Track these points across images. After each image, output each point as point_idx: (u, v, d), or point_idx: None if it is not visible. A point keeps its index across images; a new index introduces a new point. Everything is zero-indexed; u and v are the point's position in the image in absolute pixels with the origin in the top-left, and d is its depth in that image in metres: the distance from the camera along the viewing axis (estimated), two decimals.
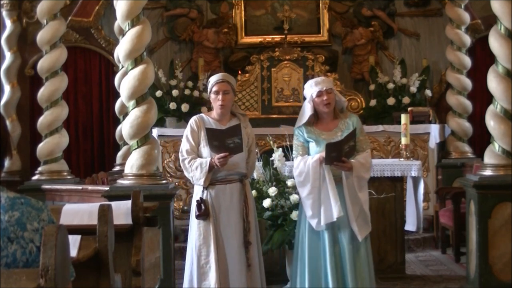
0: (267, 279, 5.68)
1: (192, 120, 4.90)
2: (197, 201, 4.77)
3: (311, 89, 4.85)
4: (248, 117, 5.07)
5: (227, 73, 5.21)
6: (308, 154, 4.84)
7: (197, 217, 4.74)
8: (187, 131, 4.87)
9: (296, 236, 4.91)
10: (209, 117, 4.90)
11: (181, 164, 4.87)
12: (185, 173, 4.87)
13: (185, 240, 5.25)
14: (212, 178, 4.76)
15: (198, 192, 4.84)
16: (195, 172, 4.73)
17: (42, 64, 7.15)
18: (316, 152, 4.79)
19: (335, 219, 4.64)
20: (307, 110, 4.85)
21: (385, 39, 9.66)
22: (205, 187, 4.76)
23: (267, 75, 9.27)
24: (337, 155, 4.61)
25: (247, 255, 4.76)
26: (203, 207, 4.72)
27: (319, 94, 4.79)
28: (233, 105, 4.96)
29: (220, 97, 4.79)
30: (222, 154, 4.61)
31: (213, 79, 4.91)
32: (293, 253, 4.96)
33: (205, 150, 4.77)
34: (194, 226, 4.79)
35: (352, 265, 4.64)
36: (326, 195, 4.67)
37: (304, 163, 4.75)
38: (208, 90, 4.92)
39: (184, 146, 4.84)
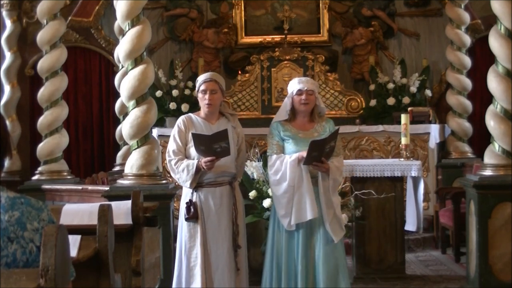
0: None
1: (180, 120, 4.84)
2: (187, 203, 4.71)
3: (293, 86, 4.87)
4: (237, 117, 5.02)
5: (217, 73, 5.17)
6: (283, 153, 4.83)
7: (187, 219, 4.70)
8: (174, 131, 4.82)
9: (270, 236, 4.87)
10: (198, 116, 4.85)
11: (168, 165, 4.82)
12: (171, 174, 4.82)
13: None
14: (202, 181, 4.71)
15: (187, 194, 4.78)
16: (182, 174, 4.67)
17: (42, 64, 7.15)
18: (293, 150, 4.78)
19: (308, 219, 4.63)
20: (286, 106, 4.88)
21: (385, 39, 9.66)
22: (195, 189, 4.72)
23: (267, 75, 9.27)
24: (318, 155, 4.61)
25: (236, 259, 4.73)
26: (192, 210, 4.68)
27: (299, 92, 4.81)
28: (222, 105, 4.91)
29: (207, 96, 4.74)
30: (209, 158, 4.56)
31: (201, 78, 4.85)
32: (266, 253, 4.90)
33: (193, 150, 4.71)
34: (184, 228, 4.75)
35: (326, 267, 4.64)
36: (301, 195, 4.66)
37: (280, 161, 4.74)
38: (196, 88, 4.86)
39: (171, 146, 4.79)
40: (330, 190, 4.71)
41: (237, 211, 4.77)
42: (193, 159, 4.71)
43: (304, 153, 4.62)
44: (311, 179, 4.71)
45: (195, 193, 4.73)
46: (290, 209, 4.68)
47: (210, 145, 4.54)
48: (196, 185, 4.72)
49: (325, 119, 4.97)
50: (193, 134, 4.63)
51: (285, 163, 4.71)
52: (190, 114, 4.94)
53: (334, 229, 4.69)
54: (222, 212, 4.73)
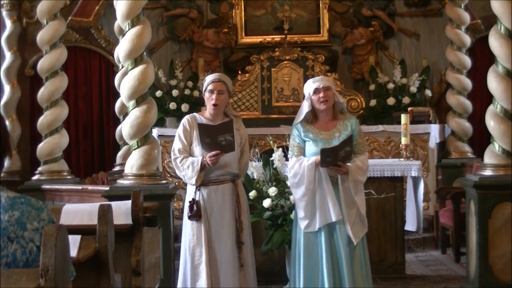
0: (267, 279, 5.69)
1: (185, 119, 4.88)
2: (190, 202, 4.76)
3: (309, 86, 4.87)
4: (241, 118, 5.06)
5: (224, 74, 5.20)
6: (304, 154, 4.84)
7: (189, 218, 4.74)
8: (179, 130, 4.86)
9: (293, 236, 4.91)
10: (202, 116, 4.88)
11: (173, 163, 4.85)
12: (177, 172, 4.84)
13: None
14: (205, 179, 4.74)
15: (190, 193, 4.82)
16: (187, 171, 4.71)
17: (42, 64, 7.15)
18: (314, 151, 4.78)
19: (333, 221, 4.65)
20: (304, 108, 4.86)
21: (385, 39, 9.66)
22: (198, 188, 4.75)
23: (267, 75, 9.27)
24: (332, 160, 4.62)
25: (239, 255, 4.75)
26: (195, 208, 4.71)
27: (316, 91, 4.80)
28: (227, 107, 4.93)
29: (214, 96, 4.77)
30: (213, 152, 4.60)
31: (209, 78, 4.89)
32: (291, 253, 4.96)
33: (197, 149, 4.75)
34: (188, 227, 4.79)
35: (349, 266, 4.66)
36: (323, 197, 4.68)
37: (299, 164, 4.75)
38: (203, 88, 4.89)
39: (177, 145, 4.83)
40: (351, 190, 4.72)
41: (240, 208, 4.79)
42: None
43: (319, 157, 4.63)
44: (331, 179, 4.71)
45: (198, 192, 4.76)
46: (309, 212, 4.71)
47: (216, 136, 4.58)
48: (200, 183, 4.74)
49: (348, 117, 4.96)
50: (199, 124, 4.68)
51: (303, 166, 4.73)
52: (195, 113, 4.99)
53: (355, 231, 4.70)
54: (225, 209, 4.76)
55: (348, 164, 4.71)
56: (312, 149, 4.81)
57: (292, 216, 5.56)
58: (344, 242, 4.69)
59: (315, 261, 4.72)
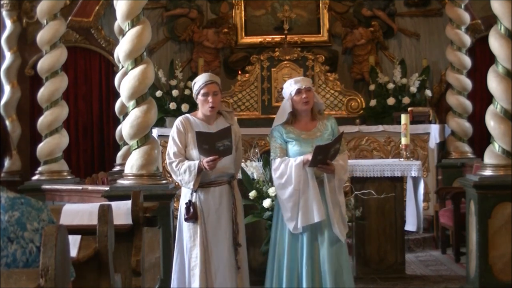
0: (266, 279, 5.68)
1: (178, 122, 4.80)
2: (186, 203, 4.70)
3: (290, 87, 4.84)
4: (234, 114, 5.00)
5: (212, 73, 5.15)
6: (287, 155, 4.82)
7: (186, 220, 4.69)
8: (173, 133, 4.78)
9: (273, 237, 4.87)
10: (195, 117, 4.82)
11: (169, 167, 4.78)
12: (173, 176, 4.78)
13: None
14: (201, 181, 4.69)
15: (186, 195, 4.76)
16: (184, 175, 4.64)
17: (42, 64, 7.15)
18: (297, 152, 4.76)
19: (315, 221, 4.63)
20: (285, 109, 4.83)
21: (385, 39, 9.66)
22: (194, 190, 4.70)
23: (267, 75, 9.27)
24: (323, 158, 4.61)
25: (236, 257, 4.72)
26: (191, 210, 4.67)
27: (298, 92, 4.78)
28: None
29: (210, 98, 4.70)
30: (211, 158, 4.54)
31: (200, 80, 4.80)
32: (269, 253, 4.92)
33: (193, 152, 4.69)
34: (184, 228, 4.74)
35: (334, 267, 4.64)
36: (307, 198, 4.65)
37: (285, 165, 4.72)
38: (195, 91, 4.80)
39: (171, 148, 4.75)
40: (336, 189, 4.71)
41: (237, 210, 4.77)
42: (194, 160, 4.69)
43: (309, 156, 4.61)
44: (316, 180, 4.70)
45: (194, 194, 4.72)
46: (296, 213, 4.68)
47: (214, 143, 4.52)
48: None
49: (327, 117, 4.97)
50: (197, 133, 4.61)
51: (290, 166, 4.70)
52: (187, 115, 4.90)
53: (340, 229, 4.69)
54: (222, 211, 4.73)
55: (333, 162, 4.71)
56: (295, 149, 4.79)
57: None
58: (329, 243, 4.66)
59: (297, 262, 4.70)
